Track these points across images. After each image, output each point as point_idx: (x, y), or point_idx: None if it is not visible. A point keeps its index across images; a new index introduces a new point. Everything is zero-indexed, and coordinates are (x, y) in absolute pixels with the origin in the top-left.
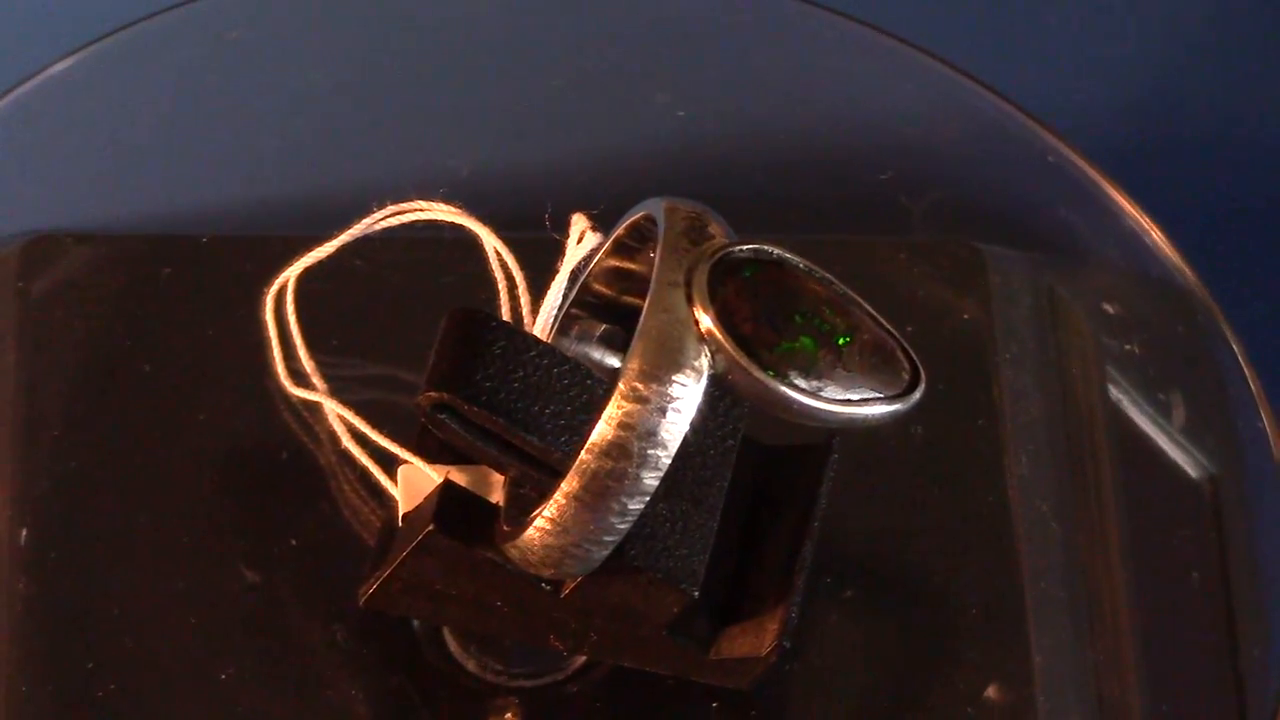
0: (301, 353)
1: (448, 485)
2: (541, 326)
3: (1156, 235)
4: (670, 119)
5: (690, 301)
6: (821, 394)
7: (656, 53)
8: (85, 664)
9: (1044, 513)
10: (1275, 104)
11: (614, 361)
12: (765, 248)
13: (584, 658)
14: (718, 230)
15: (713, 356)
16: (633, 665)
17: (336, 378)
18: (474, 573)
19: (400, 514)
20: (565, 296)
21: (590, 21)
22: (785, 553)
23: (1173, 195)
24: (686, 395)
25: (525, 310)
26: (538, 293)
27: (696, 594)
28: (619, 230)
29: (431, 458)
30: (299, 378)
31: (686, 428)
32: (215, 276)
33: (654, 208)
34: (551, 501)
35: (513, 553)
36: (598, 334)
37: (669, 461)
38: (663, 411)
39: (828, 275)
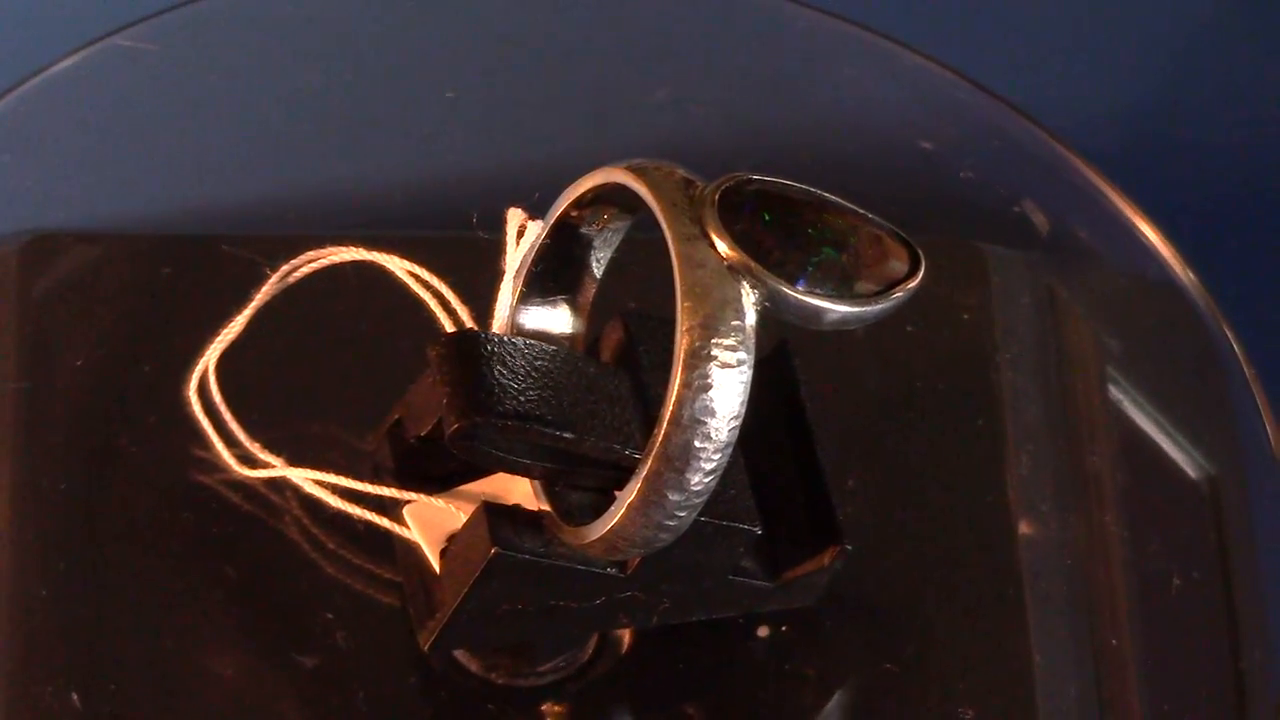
0: (242, 436)
1: (489, 506)
2: (500, 327)
3: (1156, 235)
4: (675, 115)
5: (714, 248)
6: (856, 296)
7: (651, 52)
8: None
9: (1044, 513)
10: (1275, 104)
11: (569, 328)
12: (745, 176)
13: (582, 655)
14: (689, 175)
15: (754, 293)
16: (701, 618)
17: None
18: (541, 581)
19: (431, 553)
20: (515, 291)
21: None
22: (795, 462)
23: (1172, 196)
24: (745, 338)
25: (467, 319)
26: (470, 298)
27: (759, 530)
28: (564, 205)
29: (419, 489)
30: (247, 460)
31: (752, 370)
32: (215, 276)
33: (615, 175)
34: (641, 481)
35: (595, 547)
36: (551, 309)
37: (745, 407)
38: (729, 361)
39: (800, 185)
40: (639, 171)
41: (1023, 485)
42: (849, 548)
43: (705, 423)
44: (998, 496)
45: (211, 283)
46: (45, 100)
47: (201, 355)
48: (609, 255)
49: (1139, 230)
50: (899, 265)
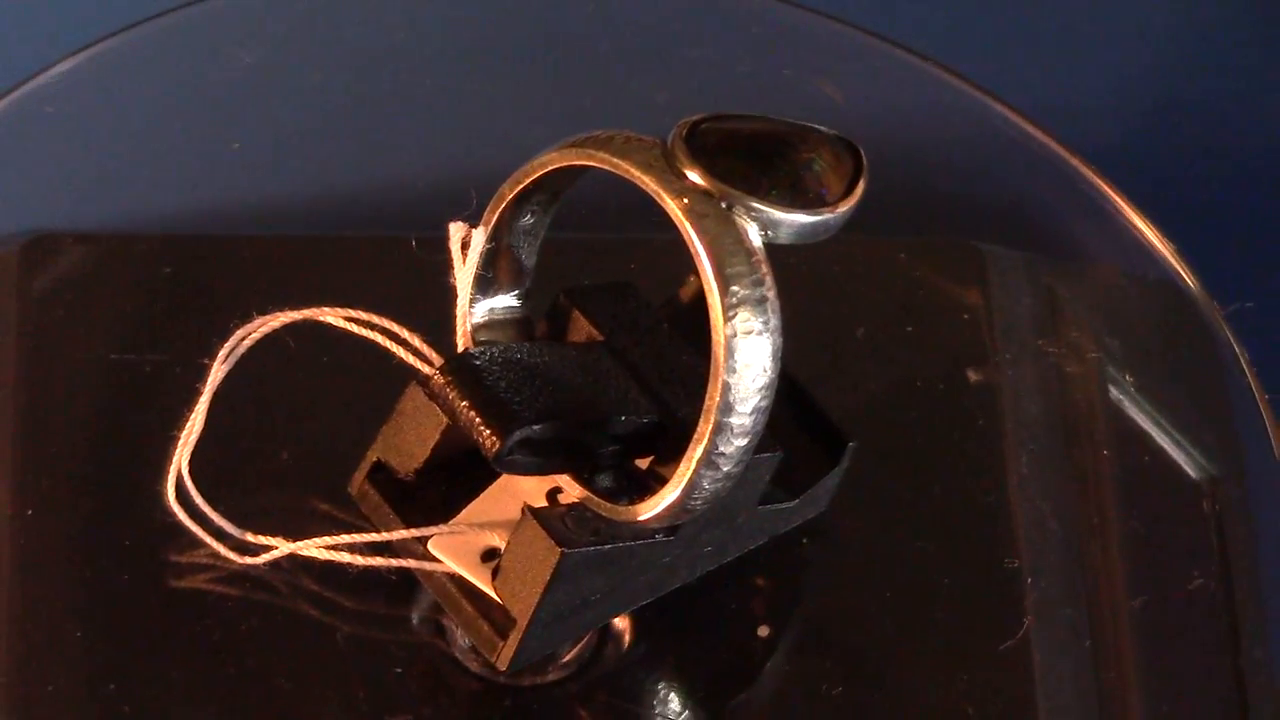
0: (230, 527)
1: (534, 511)
2: (464, 341)
3: (1156, 236)
4: (673, 116)
5: (710, 195)
6: (833, 202)
7: (650, 52)
8: None
9: (1044, 513)
10: (1275, 105)
11: (518, 318)
12: (691, 120)
13: (577, 655)
14: (637, 134)
15: (753, 224)
16: (735, 555)
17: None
18: (603, 568)
19: (475, 577)
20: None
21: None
22: None
23: (1172, 196)
24: (766, 272)
25: (421, 345)
26: (419, 311)
27: (781, 453)
28: (507, 201)
29: (431, 522)
30: (246, 549)
31: (779, 305)
32: (215, 276)
33: (566, 159)
34: (707, 436)
35: (664, 516)
36: (498, 305)
37: (781, 341)
38: (761, 297)
39: (737, 112)
40: (595, 146)
41: (1023, 485)
42: (854, 444)
43: (754, 364)
44: (998, 496)
45: (211, 283)
46: (45, 100)
47: (171, 455)
48: (541, 239)
49: (1139, 230)
50: (849, 163)
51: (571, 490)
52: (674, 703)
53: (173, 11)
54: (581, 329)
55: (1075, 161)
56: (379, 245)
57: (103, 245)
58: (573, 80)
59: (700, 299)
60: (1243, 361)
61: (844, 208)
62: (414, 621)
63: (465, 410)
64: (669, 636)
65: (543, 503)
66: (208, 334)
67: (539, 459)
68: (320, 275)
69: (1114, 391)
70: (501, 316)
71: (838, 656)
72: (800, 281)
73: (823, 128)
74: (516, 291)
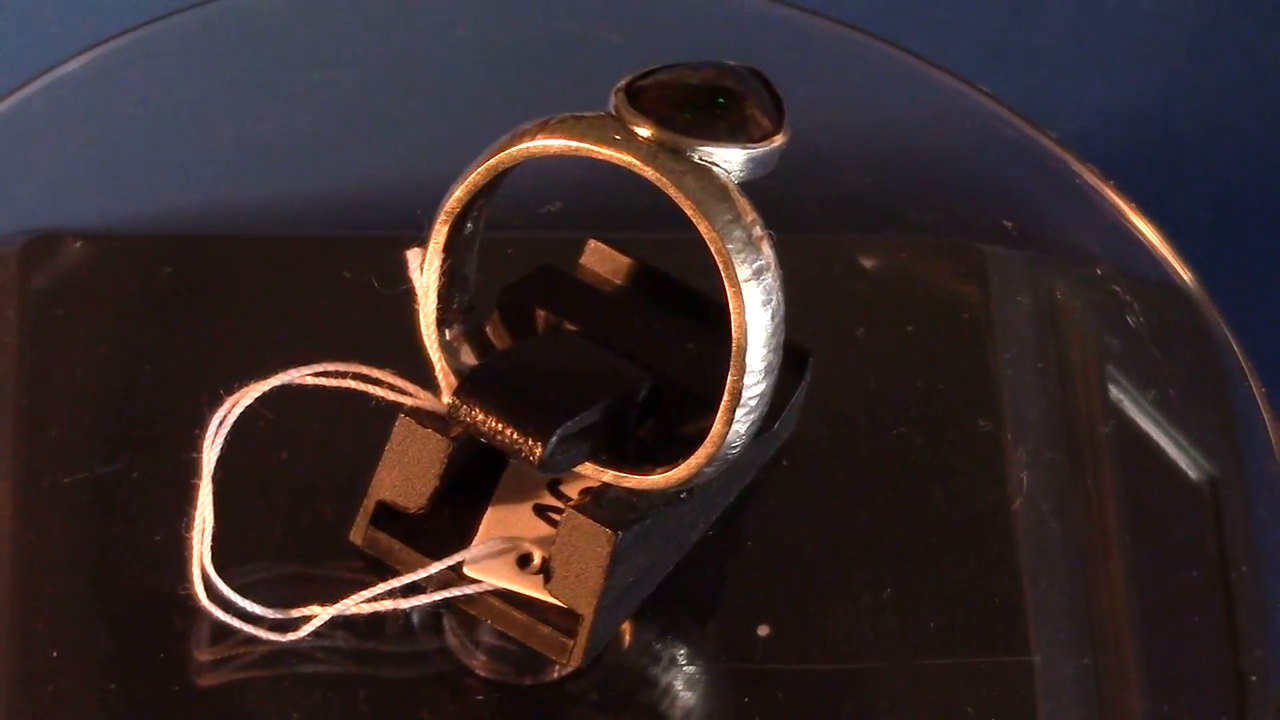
0: (261, 610)
1: (573, 506)
2: (440, 365)
3: (1156, 235)
4: None
5: (679, 152)
6: (780, 130)
7: (650, 53)
8: None
9: (1044, 513)
10: (1274, 104)
11: (474, 322)
12: (624, 85)
13: (580, 657)
14: (579, 113)
15: (724, 169)
16: (738, 493)
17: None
18: (645, 541)
19: (523, 586)
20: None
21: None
22: (715, 325)
23: (1172, 196)
24: (752, 212)
25: (394, 379)
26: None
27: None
28: (454, 216)
29: (452, 548)
30: (287, 626)
31: (771, 237)
32: (216, 276)
33: (514, 157)
34: (738, 386)
35: (705, 470)
36: (456, 312)
37: (781, 272)
38: (756, 236)
39: (660, 66)
40: (548, 134)
41: (1023, 485)
42: (808, 377)
43: (766, 302)
44: (998, 496)
45: (212, 283)
46: (46, 101)
47: (189, 551)
48: (480, 239)
49: (1139, 230)
50: (767, 91)
51: (577, 478)
52: (675, 700)
53: (171, 15)
54: (544, 321)
55: (1075, 162)
56: (378, 244)
57: (103, 245)
58: (568, 80)
59: (618, 265)
60: (1243, 361)
61: (783, 135)
62: (415, 628)
63: (497, 426)
64: (669, 633)
65: (549, 498)
66: (207, 335)
67: (575, 453)
68: (319, 275)
69: (1114, 391)
70: (458, 329)
71: (835, 657)
72: (800, 282)
73: (733, 62)
74: (467, 300)
